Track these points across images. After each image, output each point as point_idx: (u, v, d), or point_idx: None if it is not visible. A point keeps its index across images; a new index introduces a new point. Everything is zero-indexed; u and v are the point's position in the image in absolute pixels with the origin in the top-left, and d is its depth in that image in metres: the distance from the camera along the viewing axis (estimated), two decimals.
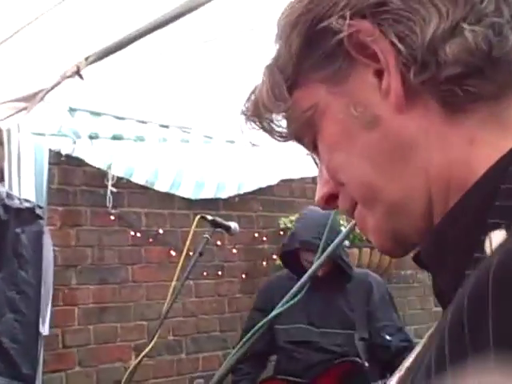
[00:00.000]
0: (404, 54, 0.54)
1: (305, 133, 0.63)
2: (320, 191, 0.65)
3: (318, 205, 0.67)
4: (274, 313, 1.48)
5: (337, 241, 1.51)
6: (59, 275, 2.90)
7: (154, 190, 3.47)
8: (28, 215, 2.46)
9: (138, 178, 3.41)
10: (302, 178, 4.00)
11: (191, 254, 2.50)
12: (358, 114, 0.58)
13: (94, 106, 3.20)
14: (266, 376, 2.77)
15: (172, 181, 3.53)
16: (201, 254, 2.55)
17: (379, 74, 0.56)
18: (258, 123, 0.66)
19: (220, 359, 3.48)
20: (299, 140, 0.66)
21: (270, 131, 0.66)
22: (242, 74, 2.38)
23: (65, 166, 3.18)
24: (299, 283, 1.52)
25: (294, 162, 3.65)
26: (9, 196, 2.42)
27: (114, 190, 3.30)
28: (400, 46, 0.54)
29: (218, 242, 3.63)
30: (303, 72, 0.61)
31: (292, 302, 1.48)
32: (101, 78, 2.73)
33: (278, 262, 3.92)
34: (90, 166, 3.25)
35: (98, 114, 3.22)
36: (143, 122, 3.40)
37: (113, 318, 3.22)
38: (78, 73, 2.56)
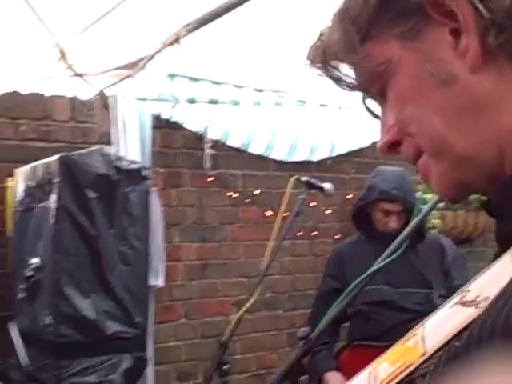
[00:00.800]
0: (484, 16, 0.57)
1: (374, 84, 0.66)
2: (383, 138, 0.67)
3: (381, 151, 0.69)
4: (373, 268, 1.53)
5: (433, 201, 1.51)
6: (164, 233, 3.06)
7: (249, 152, 3.57)
8: (136, 176, 2.61)
9: (234, 141, 3.52)
10: None
11: (287, 214, 2.59)
12: (433, 70, 0.60)
13: (192, 72, 3.33)
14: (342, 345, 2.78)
15: (266, 143, 3.62)
16: (297, 214, 2.63)
17: (456, 33, 0.58)
18: (325, 71, 0.68)
19: None
20: (367, 90, 0.69)
21: (338, 80, 0.68)
22: None
23: (165, 130, 3.33)
24: (399, 239, 1.55)
25: None
26: (118, 158, 2.58)
27: (212, 152, 3.43)
28: (481, 7, 0.56)
29: (312, 204, 3.71)
30: (378, 26, 0.62)
31: (391, 258, 1.53)
32: (198, 44, 2.84)
33: None
34: (189, 129, 3.38)
35: (195, 80, 3.35)
36: (238, 87, 3.50)
37: (214, 274, 3.38)
38: (177, 40, 2.68)
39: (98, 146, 2.59)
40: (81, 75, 2.87)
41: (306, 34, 2.76)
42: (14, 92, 2.85)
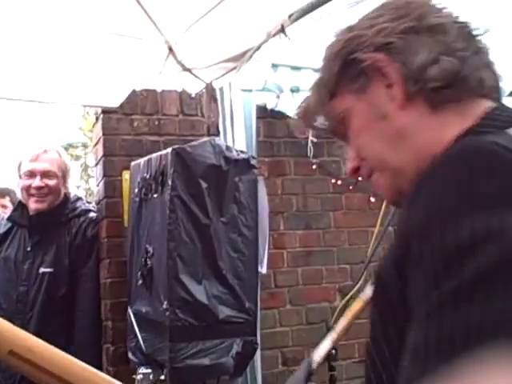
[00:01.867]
0: (405, 74, 0.89)
1: (339, 128, 0.98)
2: (349, 166, 0.99)
3: (347, 176, 1.03)
4: None
5: None
6: (269, 221, 3.13)
7: None
8: (244, 165, 2.68)
9: None
10: None
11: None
12: (374, 111, 0.92)
13: (295, 61, 3.36)
14: None
15: None
16: None
17: (389, 86, 0.91)
18: (307, 123, 1.04)
19: None
20: (335, 133, 1.01)
21: (315, 128, 1.03)
22: None
23: (269, 120, 3.39)
24: None
25: None
26: (228, 148, 2.66)
27: (315, 140, 3.46)
28: (403, 69, 0.89)
29: None
30: (339, 86, 0.96)
31: None
32: (300, 33, 2.86)
33: None
34: (292, 118, 3.42)
35: (298, 69, 3.38)
36: None
37: (318, 261, 3.42)
38: (282, 30, 2.71)
39: (208, 138, 2.68)
40: (189, 70, 2.97)
41: None
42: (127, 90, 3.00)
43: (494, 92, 0.93)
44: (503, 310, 0.58)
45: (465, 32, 0.92)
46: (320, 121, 1.01)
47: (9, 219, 3.03)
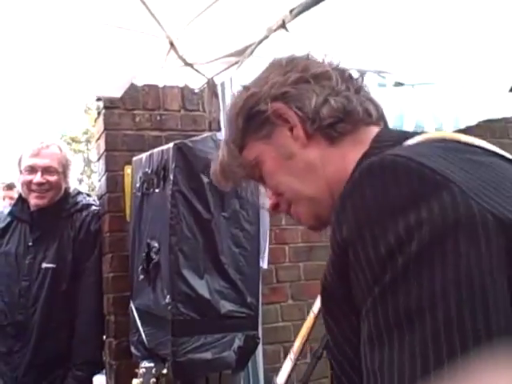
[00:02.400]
0: (302, 116, 1.03)
1: (254, 173, 1.10)
2: (270, 203, 1.12)
3: (270, 212, 1.18)
4: None
5: None
6: (270, 216, 3.13)
7: None
8: None
9: None
10: (503, 118, 3.87)
11: None
12: (282, 152, 1.05)
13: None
14: None
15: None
16: None
17: (291, 128, 1.05)
18: (224, 176, 1.14)
19: None
20: (252, 177, 1.12)
21: (233, 179, 1.14)
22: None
23: None
24: None
25: (494, 101, 3.54)
26: None
27: None
28: (299, 112, 1.04)
29: None
30: (247, 138, 1.08)
31: None
32: (302, 28, 2.86)
33: None
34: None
35: None
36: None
37: (320, 256, 3.42)
38: (283, 26, 2.71)
39: (209, 133, 2.68)
40: (191, 65, 2.97)
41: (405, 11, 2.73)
42: (130, 84, 3.00)
43: (381, 119, 1.08)
44: (431, 290, 0.70)
45: (345, 76, 1.08)
46: (236, 172, 1.12)
47: (9, 214, 3.03)
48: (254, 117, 1.07)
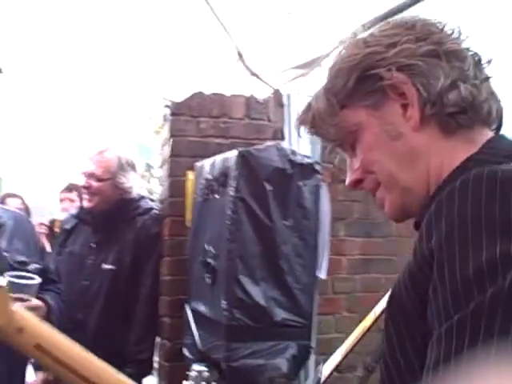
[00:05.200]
0: (423, 96, 0.91)
1: (348, 139, 0.99)
2: (351, 177, 1.01)
3: (348, 187, 1.03)
4: None
5: None
6: (329, 227, 3.13)
7: None
8: (308, 170, 2.68)
9: None
10: None
11: None
12: (388, 130, 0.94)
13: None
14: None
15: None
16: None
17: (404, 106, 0.93)
18: (313, 130, 1.04)
19: None
20: (341, 144, 1.02)
21: (322, 135, 1.04)
22: None
23: None
24: None
25: None
26: (293, 152, 2.68)
27: None
28: (422, 91, 0.90)
29: None
30: (352, 99, 0.96)
31: None
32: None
33: None
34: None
35: None
36: None
37: (378, 269, 3.40)
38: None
39: (274, 142, 2.71)
40: (257, 75, 3.01)
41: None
42: (198, 92, 3.07)
43: (497, 122, 0.97)
44: None
45: (476, 61, 0.95)
46: (325, 129, 1.01)
47: (75, 216, 3.14)
48: (367, 79, 0.94)
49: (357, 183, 1.00)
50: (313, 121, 1.01)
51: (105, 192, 2.99)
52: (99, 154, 2.96)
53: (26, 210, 4.08)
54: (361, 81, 0.94)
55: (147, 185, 7.50)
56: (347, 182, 1.02)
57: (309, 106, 1.02)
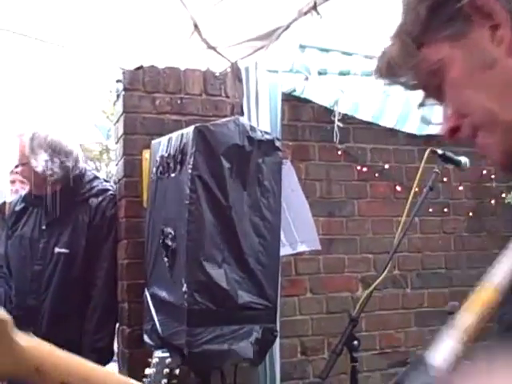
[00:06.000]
0: None
1: (432, 81, 0.84)
2: (445, 126, 0.85)
3: (444, 138, 0.87)
4: None
5: None
6: None
7: (378, 125, 3.47)
8: (268, 147, 2.59)
9: (364, 114, 3.43)
10: None
11: (416, 190, 2.50)
12: (477, 59, 0.79)
13: (323, 43, 3.26)
14: None
15: (397, 116, 3.49)
16: (431, 189, 2.54)
17: (493, 27, 0.77)
18: (390, 79, 0.89)
19: (446, 297, 3.44)
20: (425, 88, 0.87)
21: (401, 84, 0.89)
22: None
23: (294, 103, 3.29)
24: None
25: None
26: (252, 128, 2.57)
27: (341, 125, 3.36)
28: (510, 7, 0.76)
29: (445, 179, 3.56)
30: (429, 33, 0.82)
31: None
32: (332, 13, 2.76)
33: (508, 200, 3.74)
34: (318, 102, 3.33)
35: (326, 50, 3.28)
36: (370, 57, 3.39)
37: (340, 249, 3.33)
38: (315, 8, 2.61)
39: (232, 117, 2.59)
40: (214, 48, 2.88)
41: None
42: (151, 66, 2.92)
43: None
44: None
45: None
46: (405, 76, 0.87)
47: (23, 199, 2.99)
48: (442, 6, 0.80)
49: (452, 132, 0.85)
50: (389, 68, 0.87)
51: (28, 177, 2.91)
52: (17, 138, 2.85)
53: None
54: (435, 9, 0.81)
55: (106, 168, 7.30)
56: (443, 133, 0.87)
57: (383, 53, 0.88)
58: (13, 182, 3.91)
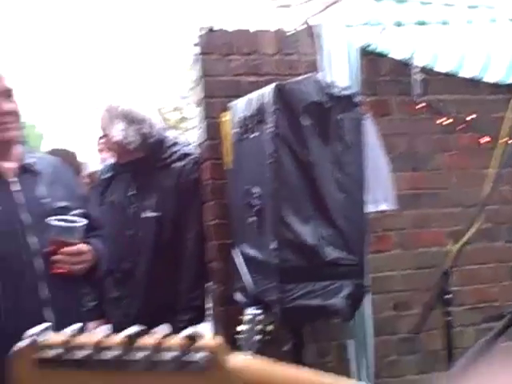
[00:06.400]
0: None
1: None
2: None
3: None
4: None
5: None
6: None
7: (459, 76, 3.35)
8: (348, 102, 2.55)
9: (444, 65, 3.31)
10: None
11: (503, 140, 2.40)
12: None
13: None
14: None
15: (480, 65, 3.36)
16: None
17: None
18: None
19: None
20: None
21: None
22: None
23: (371, 57, 3.21)
24: None
25: None
26: (330, 85, 2.54)
27: (420, 77, 3.26)
28: None
29: None
30: None
31: None
32: None
33: None
34: (396, 55, 3.24)
35: (402, 1, 3.18)
36: (449, 5, 3.27)
37: (426, 204, 3.26)
38: None
39: (309, 74, 2.57)
40: (286, 6, 2.85)
41: None
42: (224, 29, 2.93)
43: None
44: None
45: None
46: None
47: (111, 168, 3.08)
48: None
49: None
50: None
51: (110, 147, 3.01)
52: (96, 111, 2.93)
53: (77, 166, 3.94)
54: None
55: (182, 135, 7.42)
56: None
57: None
58: (100, 150, 4.04)
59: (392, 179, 3.15)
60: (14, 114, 2.12)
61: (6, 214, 2.07)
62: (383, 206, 2.90)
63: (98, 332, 0.61)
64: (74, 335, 0.62)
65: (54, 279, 2.08)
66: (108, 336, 0.60)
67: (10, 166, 2.16)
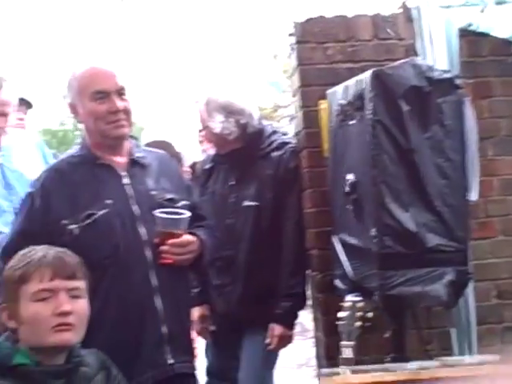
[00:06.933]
0: None
1: None
2: None
3: None
4: None
5: None
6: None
7: None
8: (448, 86, 2.50)
9: None
10: None
11: None
12: None
13: None
14: None
15: None
16: None
17: None
18: None
19: None
20: None
21: None
22: None
23: (471, 38, 3.11)
24: None
25: None
26: (429, 68, 2.50)
27: None
28: None
29: None
30: None
31: None
32: None
33: None
34: (497, 35, 3.12)
35: None
36: None
37: None
38: None
39: (408, 59, 2.53)
40: None
41: None
42: (320, 16, 2.94)
43: None
44: None
45: None
46: None
47: (212, 159, 3.17)
48: None
49: None
50: None
51: (210, 139, 3.08)
52: (195, 104, 3.01)
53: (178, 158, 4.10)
54: None
55: (276, 124, 7.48)
56: None
57: None
58: (201, 141, 4.16)
59: (495, 164, 3.06)
60: (127, 111, 2.23)
61: (118, 206, 2.19)
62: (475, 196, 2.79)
63: None
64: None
65: (162, 268, 2.19)
66: None
67: (122, 160, 2.29)
